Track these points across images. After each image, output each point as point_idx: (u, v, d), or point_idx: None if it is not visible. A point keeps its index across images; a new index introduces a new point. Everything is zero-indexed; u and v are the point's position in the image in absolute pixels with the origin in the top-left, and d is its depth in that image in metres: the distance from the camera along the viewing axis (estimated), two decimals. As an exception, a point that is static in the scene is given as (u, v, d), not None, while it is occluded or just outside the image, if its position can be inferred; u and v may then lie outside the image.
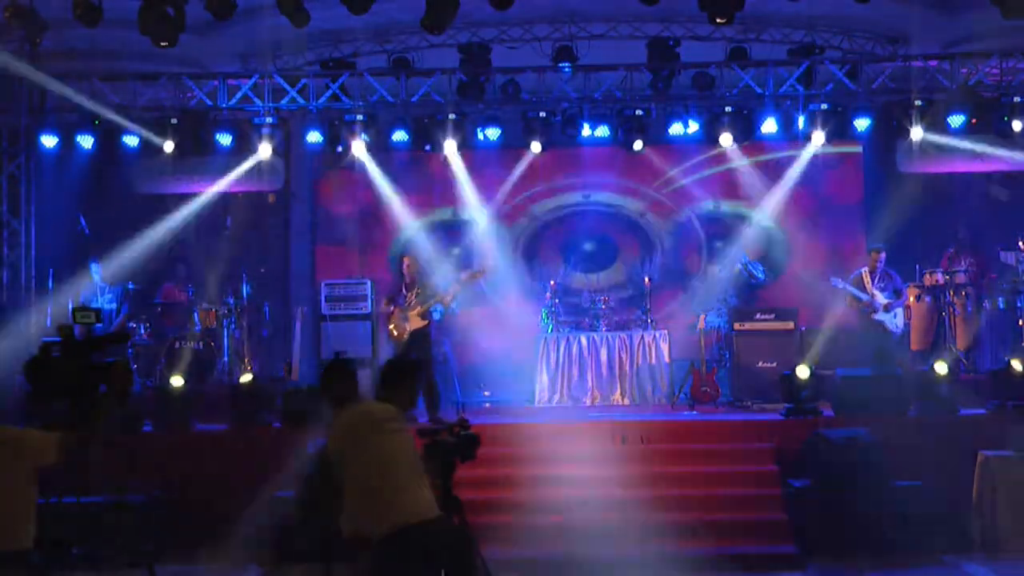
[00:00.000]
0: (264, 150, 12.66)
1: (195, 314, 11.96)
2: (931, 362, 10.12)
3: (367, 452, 4.79)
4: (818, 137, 12.65)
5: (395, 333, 10.56)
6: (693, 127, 12.87)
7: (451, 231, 15.09)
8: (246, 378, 10.29)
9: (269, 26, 11.21)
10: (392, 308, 10.63)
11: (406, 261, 10.81)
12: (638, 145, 13.12)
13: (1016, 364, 9.47)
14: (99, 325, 5.65)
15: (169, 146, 12.48)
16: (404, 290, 10.66)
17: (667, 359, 12.25)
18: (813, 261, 14.30)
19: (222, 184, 13.41)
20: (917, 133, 12.38)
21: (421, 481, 4.90)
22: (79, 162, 12.81)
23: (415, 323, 10.50)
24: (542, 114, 12.82)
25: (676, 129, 12.87)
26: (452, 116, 12.74)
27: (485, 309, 14.73)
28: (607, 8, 12.54)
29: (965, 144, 12.81)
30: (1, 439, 4.58)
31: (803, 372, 9.70)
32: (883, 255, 11.41)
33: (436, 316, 14.15)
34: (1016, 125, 12.05)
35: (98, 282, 11.69)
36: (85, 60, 12.22)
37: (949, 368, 9.74)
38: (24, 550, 4.52)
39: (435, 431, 5.60)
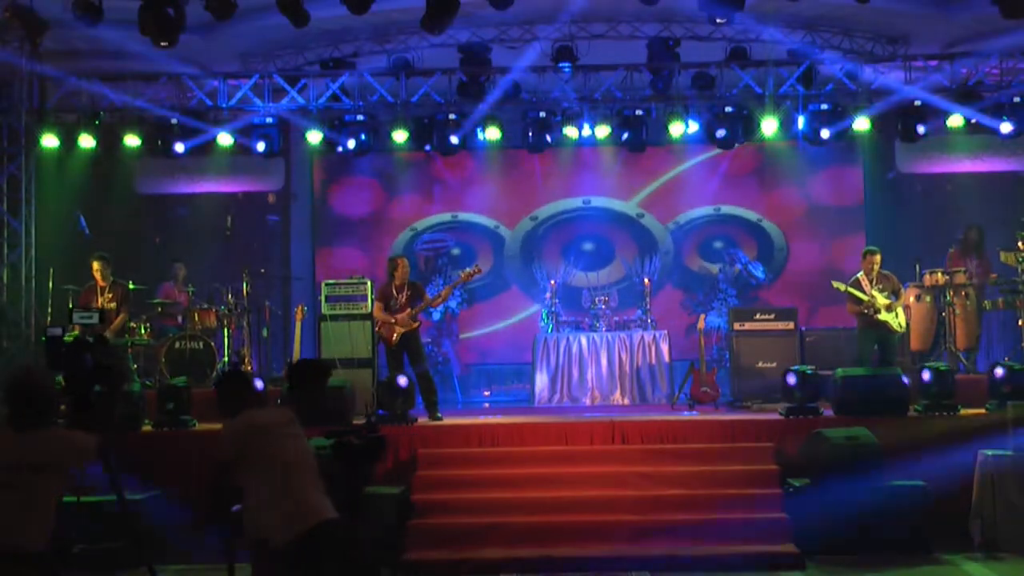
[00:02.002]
0: (265, 150, 12.66)
1: (195, 314, 11.96)
2: (931, 362, 10.12)
3: (262, 457, 4.81)
4: (818, 137, 12.64)
5: (385, 336, 10.55)
6: (693, 127, 12.87)
7: (451, 231, 15.10)
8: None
9: (269, 26, 11.22)
10: (382, 311, 10.61)
11: (397, 263, 10.79)
12: (638, 145, 13.11)
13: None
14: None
15: (180, 149, 12.48)
16: (395, 293, 10.64)
17: (667, 359, 12.25)
18: (813, 261, 14.31)
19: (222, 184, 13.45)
20: (917, 133, 12.37)
21: (316, 484, 4.92)
22: (79, 162, 12.80)
23: (406, 325, 10.48)
24: (542, 114, 12.82)
25: (676, 129, 12.86)
26: (452, 116, 12.75)
27: (485, 309, 14.76)
28: (607, 8, 12.54)
29: (965, 144, 12.82)
30: (51, 438, 4.61)
31: (803, 372, 9.69)
32: (878, 257, 11.40)
33: (436, 316, 14.20)
34: (1016, 125, 12.05)
35: (98, 281, 11.67)
36: (85, 60, 12.22)
37: (949, 368, 9.73)
38: (45, 551, 4.54)
39: (342, 433, 5.60)
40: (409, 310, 10.50)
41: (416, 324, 10.59)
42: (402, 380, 9.83)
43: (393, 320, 10.47)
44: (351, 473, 5.47)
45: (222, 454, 4.93)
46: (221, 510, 5.14)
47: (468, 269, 10.98)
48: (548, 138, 13.01)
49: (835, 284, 11.33)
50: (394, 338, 10.47)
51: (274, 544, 4.71)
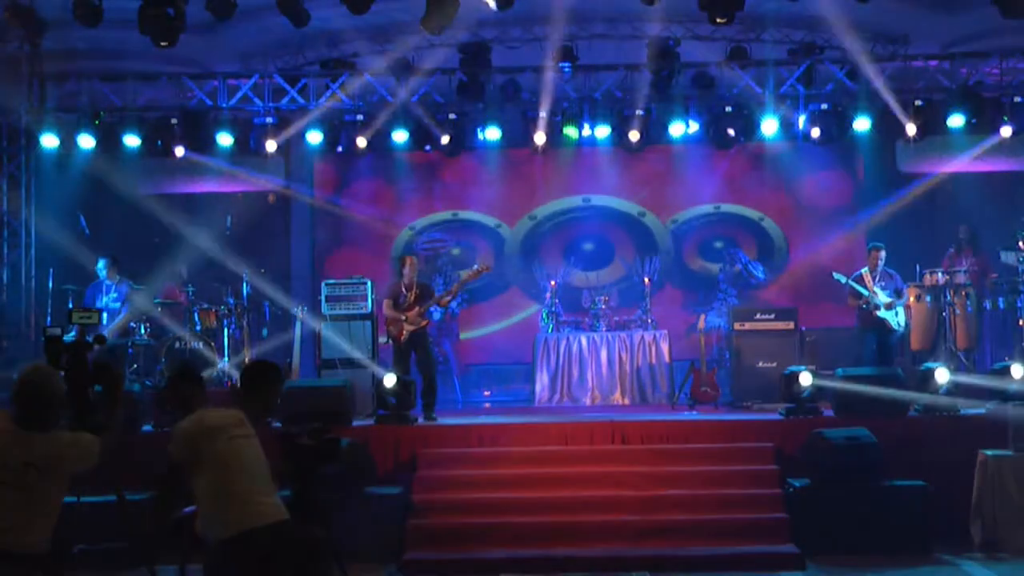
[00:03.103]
0: (272, 146, 12.67)
1: (195, 314, 11.96)
2: (931, 362, 10.12)
3: (211, 458, 4.81)
4: (818, 137, 12.65)
5: (394, 333, 10.56)
6: (693, 127, 12.87)
7: (451, 231, 15.10)
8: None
9: (269, 26, 11.23)
10: (392, 309, 10.62)
11: (406, 261, 10.79)
12: (638, 145, 13.11)
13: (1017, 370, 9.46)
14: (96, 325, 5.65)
15: (180, 152, 12.48)
16: (404, 291, 10.65)
17: (667, 359, 12.25)
18: (813, 261, 14.30)
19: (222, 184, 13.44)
20: (917, 133, 12.37)
21: (266, 486, 4.91)
22: (79, 162, 12.80)
23: (414, 323, 10.49)
24: (542, 114, 12.82)
25: (676, 129, 12.87)
26: (452, 116, 12.75)
27: (486, 309, 14.76)
28: (607, 8, 12.53)
29: (965, 144, 12.82)
30: (57, 439, 4.61)
31: (803, 372, 9.69)
32: (883, 253, 11.40)
33: (436, 316, 14.20)
34: (1016, 125, 12.05)
35: (104, 280, 11.69)
36: (85, 60, 12.23)
37: (949, 368, 9.73)
38: (47, 551, 4.54)
39: (293, 435, 5.60)
40: (418, 308, 10.51)
41: (425, 322, 10.61)
42: (389, 380, 9.79)
43: (403, 317, 10.48)
44: (303, 475, 5.45)
45: (173, 455, 4.91)
46: (171, 512, 5.13)
47: (477, 267, 10.99)
48: (548, 138, 13.00)
49: (836, 275, 11.35)
50: (403, 336, 10.48)
51: (218, 544, 4.71)
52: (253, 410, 5.17)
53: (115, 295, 11.60)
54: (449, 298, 11.04)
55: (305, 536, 4.97)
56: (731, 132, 12.82)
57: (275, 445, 5.44)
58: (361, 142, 12.93)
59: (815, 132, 12.65)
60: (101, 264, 11.63)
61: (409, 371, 10.55)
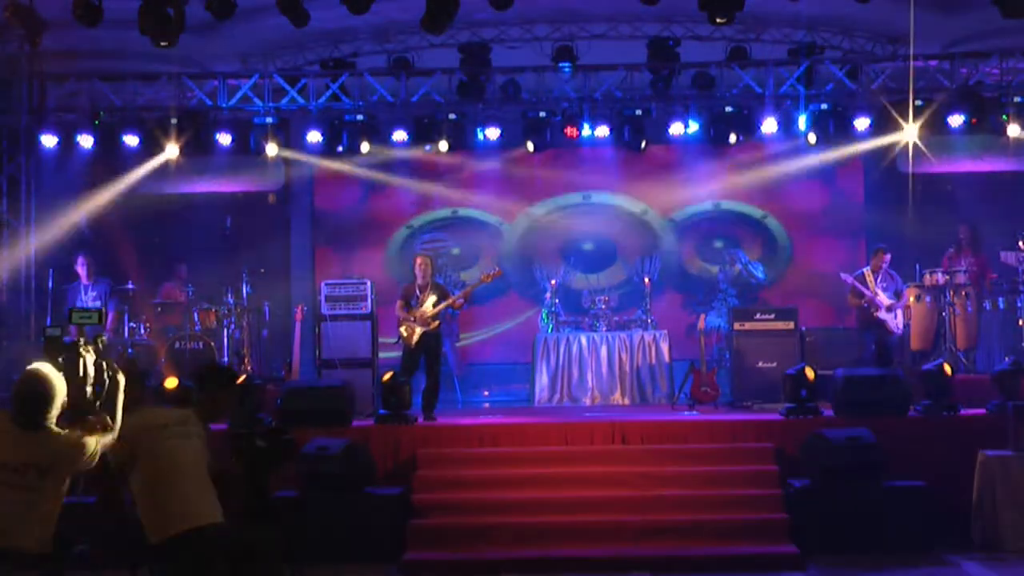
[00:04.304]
0: (273, 149, 12.67)
1: (195, 314, 11.96)
2: (931, 362, 10.12)
3: (150, 456, 4.81)
4: (818, 137, 12.64)
5: (406, 335, 10.52)
6: (693, 127, 12.86)
7: (450, 229, 15.10)
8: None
9: (269, 26, 11.21)
10: (403, 310, 10.59)
11: (419, 261, 10.75)
12: (638, 145, 13.11)
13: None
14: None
15: (170, 147, 12.47)
16: (417, 291, 10.62)
17: (667, 359, 12.24)
18: (813, 261, 14.30)
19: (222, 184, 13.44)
20: (917, 133, 12.37)
21: (200, 487, 4.91)
22: (79, 162, 12.80)
23: (424, 324, 10.48)
24: (542, 114, 12.81)
25: (676, 129, 12.86)
26: (452, 116, 12.74)
27: (486, 309, 14.75)
28: (607, 8, 12.53)
29: (965, 144, 12.81)
30: (57, 439, 4.61)
31: (803, 372, 9.69)
32: (888, 255, 11.43)
33: (441, 316, 14.18)
34: (1016, 125, 12.04)
35: (83, 279, 11.69)
36: (85, 60, 12.22)
37: (949, 368, 9.72)
38: (47, 551, 4.54)
39: (245, 435, 5.60)
40: (427, 308, 10.49)
41: (435, 324, 10.55)
42: (386, 377, 9.80)
43: (412, 318, 10.47)
44: (256, 476, 5.45)
45: (119, 447, 4.90)
46: (115, 509, 5.13)
47: (490, 272, 10.98)
48: (548, 138, 13.00)
49: (843, 275, 11.42)
50: (414, 338, 10.46)
51: (154, 543, 4.70)
52: (204, 411, 5.19)
53: (94, 294, 11.60)
54: (462, 301, 10.97)
55: (243, 537, 4.96)
56: (731, 132, 12.81)
57: (227, 446, 5.45)
58: (361, 142, 12.94)
59: (815, 132, 12.63)
60: (78, 264, 11.64)
61: (415, 373, 10.52)
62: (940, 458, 8.72)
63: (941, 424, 9.26)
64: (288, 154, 13.53)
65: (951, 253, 12.60)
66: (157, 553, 4.71)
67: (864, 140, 13.09)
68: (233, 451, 5.46)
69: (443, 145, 12.89)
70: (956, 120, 12.25)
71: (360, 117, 12.84)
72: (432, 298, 10.56)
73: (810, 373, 9.56)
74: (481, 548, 8.19)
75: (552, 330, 12.87)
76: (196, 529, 4.73)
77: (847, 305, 11.91)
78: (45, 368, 4.87)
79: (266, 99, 12.59)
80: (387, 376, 9.87)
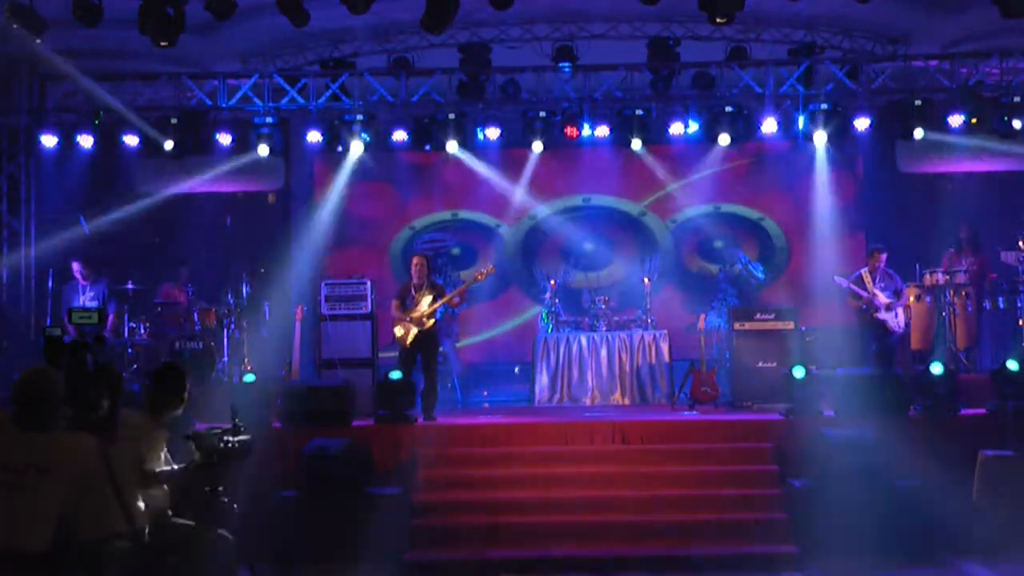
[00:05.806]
0: (264, 150, 12.67)
1: (195, 314, 11.95)
2: (931, 362, 10.12)
3: None
4: (818, 137, 12.65)
5: (401, 334, 10.53)
6: (693, 127, 12.86)
7: (451, 231, 15.10)
8: (249, 378, 10.30)
9: (269, 26, 11.22)
10: (398, 310, 10.59)
11: (416, 261, 10.75)
12: (638, 145, 13.11)
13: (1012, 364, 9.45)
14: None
15: (169, 146, 12.46)
16: (413, 291, 10.62)
17: (667, 359, 12.25)
18: (813, 261, 14.29)
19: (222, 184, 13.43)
20: (917, 133, 12.38)
21: (129, 491, 4.90)
22: (79, 162, 12.80)
23: (418, 324, 10.48)
24: (542, 114, 12.81)
25: (676, 129, 12.86)
26: (452, 116, 12.75)
27: (485, 309, 14.75)
28: (607, 8, 12.54)
29: (965, 144, 12.81)
30: (58, 440, 4.61)
31: (803, 372, 9.69)
32: (884, 255, 11.42)
33: (436, 316, 14.18)
34: (1016, 125, 12.04)
35: (79, 280, 11.69)
36: (85, 60, 12.22)
37: (949, 368, 9.72)
38: (47, 552, 4.53)
39: (200, 436, 5.61)
40: (423, 308, 10.48)
41: (430, 324, 10.55)
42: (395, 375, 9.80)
43: (408, 318, 10.47)
44: (210, 475, 5.46)
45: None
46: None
47: (483, 269, 10.99)
48: (548, 138, 13.00)
49: (838, 278, 11.39)
50: (409, 338, 10.46)
51: (75, 551, 4.69)
52: (157, 410, 5.19)
53: (91, 294, 11.60)
54: (458, 299, 10.98)
55: (176, 538, 4.96)
56: (731, 132, 12.81)
57: (184, 445, 5.48)
58: (361, 142, 12.94)
59: (815, 132, 12.64)
60: (75, 265, 11.64)
61: (412, 372, 10.53)
62: (940, 458, 8.71)
63: (941, 424, 9.26)
64: (288, 154, 13.52)
65: (951, 253, 12.60)
66: (80, 560, 4.71)
67: (864, 140, 13.11)
68: (190, 450, 5.52)
69: (452, 146, 12.85)
70: (956, 120, 12.26)
71: (360, 117, 12.84)
72: (428, 298, 10.56)
73: (809, 373, 9.56)
74: (481, 548, 8.20)
75: (552, 330, 12.87)
76: (117, 535, 4.75)
77: (847, 305, 11.90)
78: (45, 368, 4.87)
79: (266, 99, 12.59)
80: (387, 376, 9.88)
